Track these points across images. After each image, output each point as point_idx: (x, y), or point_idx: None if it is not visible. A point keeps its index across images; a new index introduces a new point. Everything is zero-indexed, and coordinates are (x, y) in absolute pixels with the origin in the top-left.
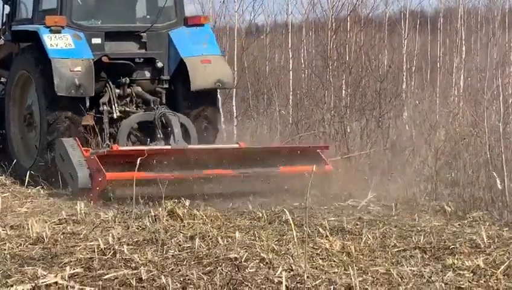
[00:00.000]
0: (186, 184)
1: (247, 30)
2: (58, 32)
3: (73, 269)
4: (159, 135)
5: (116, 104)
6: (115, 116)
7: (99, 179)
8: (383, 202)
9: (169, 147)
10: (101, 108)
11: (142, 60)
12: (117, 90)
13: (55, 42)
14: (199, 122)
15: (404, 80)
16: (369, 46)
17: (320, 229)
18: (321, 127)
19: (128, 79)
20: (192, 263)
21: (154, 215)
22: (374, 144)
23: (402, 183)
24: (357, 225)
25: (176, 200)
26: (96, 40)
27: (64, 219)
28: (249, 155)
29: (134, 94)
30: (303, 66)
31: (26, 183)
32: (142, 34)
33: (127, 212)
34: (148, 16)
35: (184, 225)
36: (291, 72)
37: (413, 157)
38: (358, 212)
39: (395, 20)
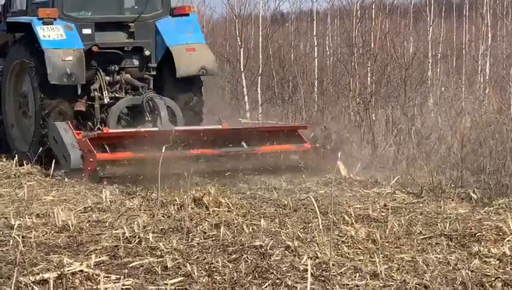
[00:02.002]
0: (174, 163)
1: (272, 18)
2: (51, 23)
3: (99, 257)
4: (147, 118)
5: (106, 91)
6: (105, 101)
7: (91, 160)
8: (409, 189)
9: (156, 129)
10: (92, 94)
11: (130, 48)
12: (107, 78)
13: (47, 33)
14: (185, 106)
15: (430, 67)
16: (394, 33)
17: (345, 216)
18: (346, 114)
19: (117, 67)
20: (218, 250)
21: (180, 203)
22: (399, 131)
23: (427, 171)
24: (382, 212)
25: (200, 188)
26: (87, 31)
27: (90, 207)
28: (231, 135)
29: (123, 81)
30: (328, 53)
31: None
32: (130, 24)
33: (152, 200)
34: (135, 7)
35: (209, 213)
36: (316, 59)
37: (439, 145)
38: (384, 199)
39: (420, 6)
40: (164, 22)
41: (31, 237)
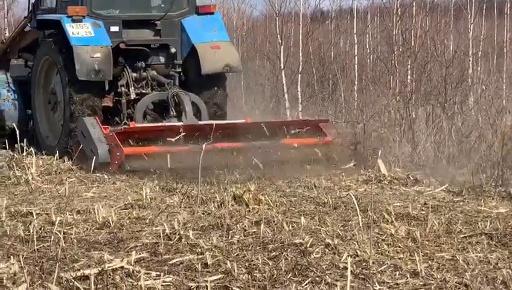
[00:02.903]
0: (198, 157)
1: (312, 16)
2: (79, 21)
3: (139, 253)
4: (172, 113)
5: (133, 87)
6: (131, 97)
7: (118, 154)
8: (449, 188)
9: (181, 123)
10: (119, 90)
11: (156, 46)
12: (134, 74)
13: (76, 30)
14: (209, 102)
15: (470, 65)
16: (435, 32)
17: (385, 214)
18: (386, 112)
19: (144, 63)
20: (258, 248)
21: (220, 201)
22: (439, 130)
23: (468, 169)
24: (422, 210)
25: (240, 186)
26: (114, 28)
27: (130, 203)
28: (255, 129)
29: (149, 77)
30: (368, 51)
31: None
32: (156, 22)
33: (192, 198)
34: (162, 5)
35: (249, 210)
36: (356, 57)
37: (479, 143)
38: (424, 198)
39: (460, 5)
40: (190, 20)
41: (72, 233)
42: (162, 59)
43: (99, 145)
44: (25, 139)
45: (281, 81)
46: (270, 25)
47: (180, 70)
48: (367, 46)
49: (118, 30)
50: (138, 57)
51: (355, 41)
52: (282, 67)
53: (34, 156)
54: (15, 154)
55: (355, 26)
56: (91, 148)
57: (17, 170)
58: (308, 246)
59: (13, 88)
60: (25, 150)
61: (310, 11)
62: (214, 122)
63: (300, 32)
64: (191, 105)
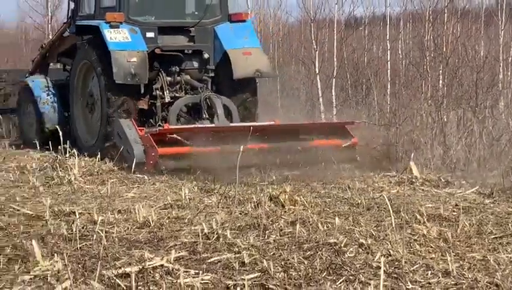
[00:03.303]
0: (229, 157)
1: (346, 22)
2: (117, 27)
3: (179, 252)
4: (204, 115)
5: (167, 90)
6: (166, 100)
7: (152, 154)
8: (480, 190)
9: (213, 125)
10: (154, 93)
11: (190, 51)
12: (168, 78)
13: (114, 36)
14: (240, 105)
15: (501, 70)
16: (466, 37)
17: (417, 215)
18: (418, 116)
19: (178, 68)
20: (293, 247)
21: (256, 201)
22: (470, 133)
23: (498, 172)
24: (453, 211)
25: (277, 187)
26: (150, 34)
27: (170, 204)
28: (283, 131)
29: (183, 82)
30: (400, 56)
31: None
32: (190, 28)
33: (230, 198)
34: (196, 13)
35: (285, 211)
36: (389, 62)
37: (510, 146)
38: (455, 199)
39: (491, 11)
40: (222, 27)
41: (113, 232)
42: (196, 64)
43: (135, 146)
44: (68, 141)
45: (316, 86)
46: (305, 31)
47: (212, 75)
48: (399, 52)
49: (153, 36)
50: (173, 62)
51: (388, 47)
52: (317, 72)
53: (76, 157)
54: (58, 156)
55: (388, 32)
56: (127, 149)
57: (60, 170)
58: (342, 245)
59: (52, 91)
60: (67, 152)
61: (344, 18)
62: (245, 124)
63: (335, 38)
64: (223, 108)
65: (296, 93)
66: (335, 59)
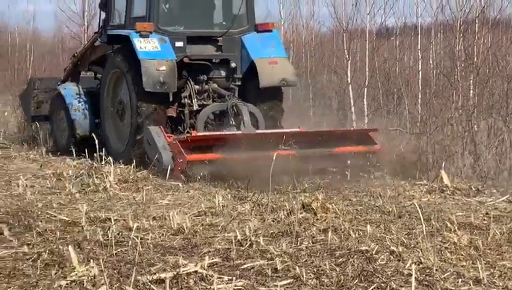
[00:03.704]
0: (255, 163)
1: (377, 32)
2: (147, 36)
3: (212, 258)
4: (231, 123)
5: (195, 99)
6: (194, 108)
7: (180, 160)
8: (510, 199)
9: (240, 132)
10: (182, 101)
11: (218, 60)
12: (196, 87)
13: (144, 45)
14: (266, 113)
15: None
16: (497, 48)
17: (448, 223)
18: (449, 125)
19: (206, 77)
20: (325, 254)
21: (289, 209)
22: (500, 142)
23: None
24: (484, 220)
25: (309, 194)
26: (179, 44)
27: (203, 211)
28: (308, 137)
29: (211, 90)
30: (431, 66)
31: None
32: (218, 38)
33: (263, 206)
34: (224, 23)
35: (317, 218)
36: (420, 72)
37: None
38: (485, 208)
39: None
40: (249, 37)
41: (148, 239)
42: (223, 73)
43: (164, 153)
44: (103, 149)
45: (348, 95)
46: (337, 41)
47: (239, 83)
48: (430, 62)
49: (182, 45)
50: (201, 71)
51: (420, 57)
52: (349, 81)
53: (112, 164)
54: (94, 163)
55: (419, 42)
56: (156, 155)
57: (96, 177)
58: (373, 253)
59: (84, 99)
60: (103, 159)
61: (376, 28)
62: (271, 131)
63: (367, 48)
64: (249, 115)
65: (328, 102)
66: (367, 69)
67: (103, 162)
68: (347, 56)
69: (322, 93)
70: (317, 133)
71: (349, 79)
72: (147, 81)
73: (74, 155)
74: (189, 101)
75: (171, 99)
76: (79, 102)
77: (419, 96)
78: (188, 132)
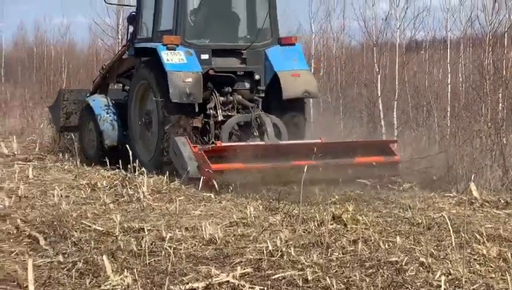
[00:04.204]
0: (278, 173)
1: (407, 46)
2: (173, 49)
3: (244, 268)
4: (255, 133)
5: (220, 110)
6: (219, 119)
7: (206, 170)
8: None
9: (263, 142)
10: (207, 112)
11: (242, 73)
12: (221, 98)
13: (170, 57)
14: (289, 124)
15: None
16: None
17: (477, 235)
18: (478, 138)
19: (230, 89)
20: (355, 265)
21: (320, 220)
22: None
23: None
24: None
25: (340, 206)
26: (205, 56)
27: (235, 221)
28: (329, 148)
29: (235, 101)
30: (460, 80)
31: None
32: (242, 51)
33: (293, 217)
34: (248, 36)
35: (347, 230)
36: (449, 85)
37: None
38: None
39: None
40: (273, 50)
41: (181, 249)
42: (247, 85)
43: (189, 162)
44: (137, 160)
45: (378, 108)
46: (367, 54)
47: (263, 95)
48: (459, 75)
49: (207, 58)
50: (225, 83)
51: (449, 71)
52: (379, 94)
53: (145, 175)
54: (127, 174)
55: (448, 56)
56: (182, 165)
57: (129, 188)
58: (403, 264)
59: (112, 110)
60: (136, 170)
61: (406, 42)
62: (292, 141)
63: (397, 61)
64: (272, 126)
65: (359, 114)
66: (396, 82)
67: (136, 173)
68: (377, 69)
69: (352, 106)
70: (338, 144)
71: (379, 92)
72: (174, 92)
73: (108, 166)
74: (214, 112)
75: (196, 110)
76: (107, 113)
77: (448, 110)
78: (212, 142)
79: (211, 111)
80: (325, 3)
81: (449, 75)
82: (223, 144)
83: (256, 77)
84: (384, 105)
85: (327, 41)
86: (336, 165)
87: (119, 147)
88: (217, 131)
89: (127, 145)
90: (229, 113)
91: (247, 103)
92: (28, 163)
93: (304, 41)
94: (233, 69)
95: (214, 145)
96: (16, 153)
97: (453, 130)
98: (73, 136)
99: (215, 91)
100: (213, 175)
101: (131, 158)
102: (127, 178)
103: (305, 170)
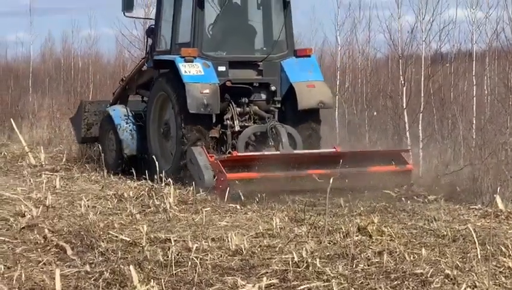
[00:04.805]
0: (293, 182)
1: (432, 58)
2: (191, 61)
3: (270, 279)
4: (270, 143)
5: (237, 120)
6: (236, 129)
7: (222, 179)
8: None
9: (278, 152)
10: (224, 123)
11: (258, 84)
12: (238, 109)
13: (188, 69)
14: (305, 134)
15: None
16: None
17: (502, 248)
18: (503, 150)
19: (247, 100)
20: (381, 277)
21: (345, 231)
22: None
23: None
24: None
25: (365, 217)
26: (222, 68)
27: (261, 232)
28: (343, 158)
29: (252, 112)
30: (486, 92)
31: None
32: (259, 63)
33: (319, 228)
34: (264, 48)
35: (373, 241)
36: (474, 98)
37: None
38: None
39: None
40: (288, 61)
41: (207, 259)
42: (263, 96)
43: (206, 172)
44: (163, 171)
45: (403, 120)
46: (392, 66)
47: (279, 106)
48: (485, 88)
49: (224, 70)
50: (242, 94)
51: (474, 83)
52: (404, 106)
53: (171, 186)
54: (154, 185)
55: (473, 69)
56: (198, 174)
57: (156, 199)
58: (428, 276)
59: (131, 120)
60: (163, 180)
61: (431, 54)
62: (307, 151)
63: (422, 73)
64: (287, 136)
65: (384, 127)
66: (422, 94)
67: (163, 184)
68: (402, 81)
69: (377, 118)
70: (351, 153)
71: (404, 104)
72: (191, 103)
73: (134, 177)
74: (231, 123)
75: (214, 120)
76: (127, 123)
77: (474, 122)
78: (229, 152)
79: (228, 122)
80: (351, 16)
81: (474, 87)
82: (239, 154)
83: (272, 88)
84: (409, 117)
85: (353, 54)
86: (349, 173)
87: (138, 157)
88: (234, 141)
89: (146, 155)
90: (246, 124)
91: (264, 114)
92: (56, 173)
93: (330, 53)
94: (249, 80)
95: (230, 154)
96: (43, 163)
97: (479, 142)
98: (99, 147)
99: (232, 102)
100: (231, 185)
101: (157, 169)
102: (153, 189)
103: (331, 181)
